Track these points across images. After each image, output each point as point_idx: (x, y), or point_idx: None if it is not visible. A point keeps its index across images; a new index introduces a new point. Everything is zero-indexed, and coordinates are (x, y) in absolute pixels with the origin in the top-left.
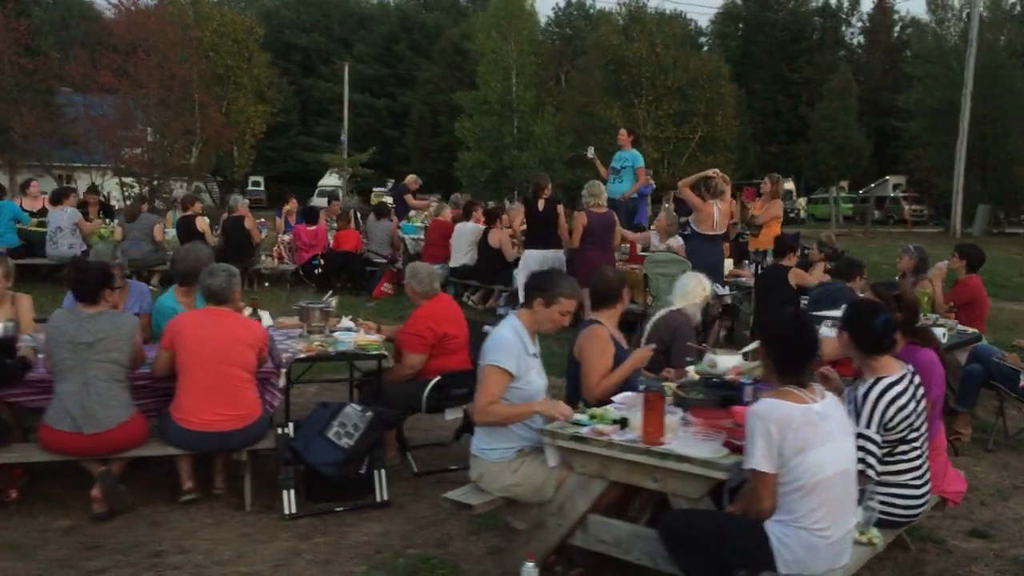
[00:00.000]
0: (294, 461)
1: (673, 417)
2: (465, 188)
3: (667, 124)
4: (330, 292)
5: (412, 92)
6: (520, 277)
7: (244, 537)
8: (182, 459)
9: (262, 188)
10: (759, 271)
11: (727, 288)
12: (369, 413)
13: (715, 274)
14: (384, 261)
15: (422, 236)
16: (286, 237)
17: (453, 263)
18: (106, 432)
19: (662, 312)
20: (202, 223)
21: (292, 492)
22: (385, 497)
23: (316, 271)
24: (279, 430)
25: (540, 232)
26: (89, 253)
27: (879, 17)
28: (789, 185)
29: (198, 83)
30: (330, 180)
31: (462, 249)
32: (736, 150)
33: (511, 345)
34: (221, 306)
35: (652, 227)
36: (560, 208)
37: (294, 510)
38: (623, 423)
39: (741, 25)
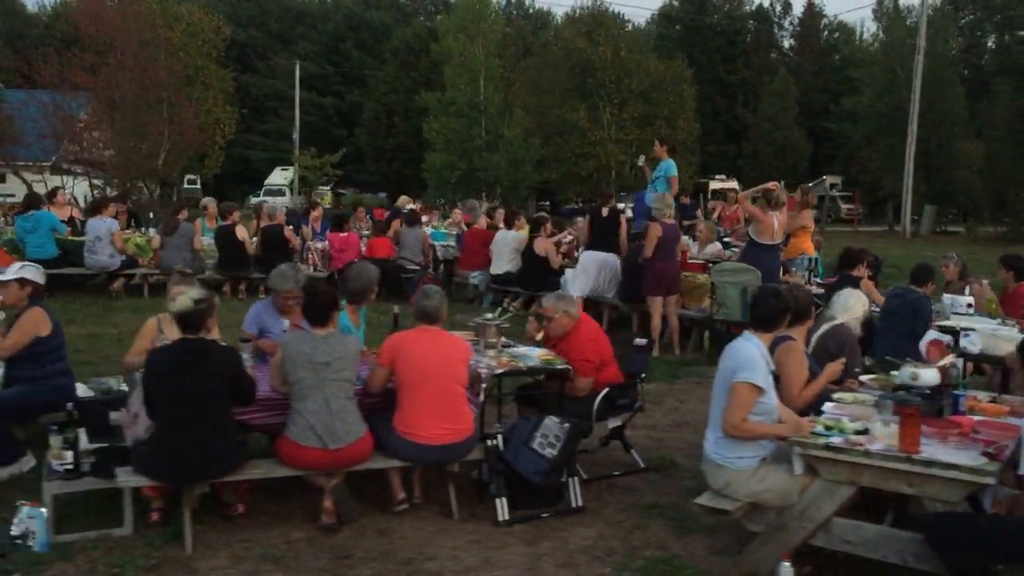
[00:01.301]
0: (503, 471)
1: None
2: (433, 189)
3: (631, 127)
4: (499, 310)
5: (360, 91)
6: (579, 279)
7: (476, 544)
8: (393, 471)
9: (198, 186)
10: (810, 279)
11: None
12: (567, 424)
13: (772, 281)
14: (418, 268)
15: (452, 243)
16: (319, 244)
17: (495, 270)
18: (347, 447)
19: (826, 327)
20: (242, 232)
21: (504, 500)
22: (579, 503)
23: None
24: (487, 442)
25: (602, 237)
26: (132, 263)
27: (809, 21)
28: (734, 184)
29: (170, 84)
30: (277, 179)
31: (505, 256)
32: (696, 152)
33: (760, 363)
34: (433, 325)
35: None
36: (623, 218)
37: (506, 517)
38: (865, 432)
39: (678, 27)
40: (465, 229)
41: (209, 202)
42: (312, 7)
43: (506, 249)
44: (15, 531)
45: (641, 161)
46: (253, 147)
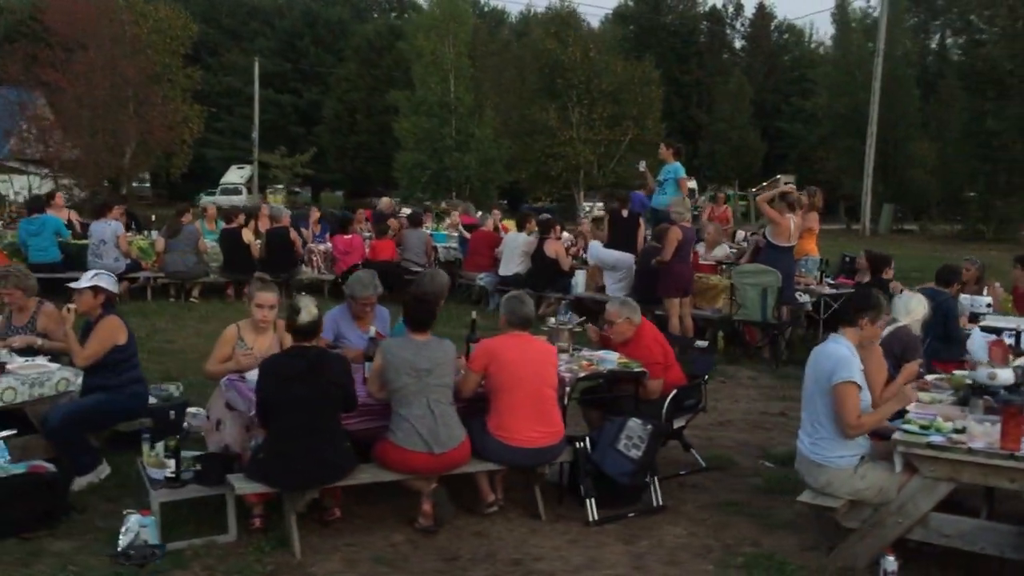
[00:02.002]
0: (592, 472)
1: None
2: (403, 188)
3: (600, 127)
4: (570, 314)
5: (319, 89)
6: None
7: (575, 544)
8: (482, 474)
9: (148, 185)
10: (823, 279)
11: (807, 296)
12: (649, 426)
13: (789, 282)
14: (421, 270)
15: (453, 245)
16: (322, 247)
17: (504, 271)
18: (451, 451)
19: (889, 329)
20: (247, 234)
21: (593, 501)
22: (660, 502)
23: None
24: (576, 444)
25: (621, 236)
26: (136, 267)
27: (760, 22)
28: (692, 184)
29: (139, 81)
30: (233, 177)
31: (514, 259)
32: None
33: (854, 361)
34: (524, 331)
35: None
36: (641, 220)
37: (596, 517)
38: (962, 431)
39: (632, 27)
40: (463, 230)
41: (209, 204)
42: (266, 3)
43: (516, 251)
44: (124, 540)
45: (643, 166)
46: (208, 145)
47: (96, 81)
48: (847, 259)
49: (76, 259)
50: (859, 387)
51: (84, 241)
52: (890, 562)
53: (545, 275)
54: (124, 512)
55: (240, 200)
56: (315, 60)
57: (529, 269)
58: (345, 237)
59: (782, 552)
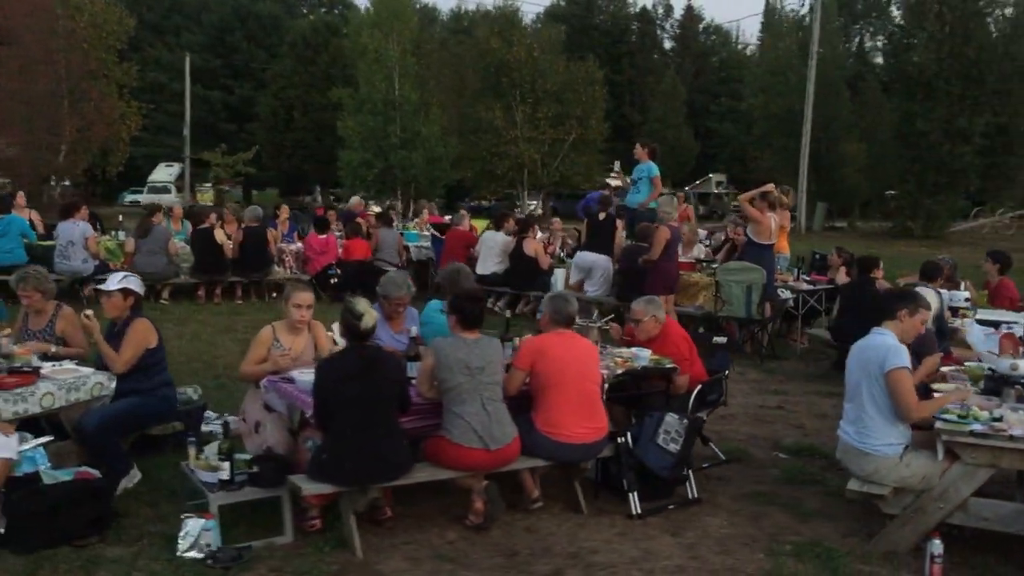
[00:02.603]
0: (634, 466)
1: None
2: (348, 187)
3: (544, 126)
4: (596, 313)
5: (250, 85)
6: (573, 274)
7: (624, 536)
8: (527, 471)
9: (68, 183)
10: (799, 276)
11: (788, 292)
12: (685, 420)
13: (771, 279)
14: (395, 269)
15: (425, 244)
16: (293, 246)
17: (482, 270)
18: (504, 447)
19: None
20: (220, 235)
21: (636, 494)
22: (695, 494)
23: (332, 280)
24: (618, 440)
25: (597, 240)
26: (104, 268)
27: (688, 24)
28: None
29: (80, 76)
30: (161, 175)
31: (492, 257)
32: (605, 151)
33: (903, 349)
34: (568, 329)
35: None
36: (619, 223)
37: (639, 510)
38: (999, 420)
39: (564, 27)
40: (431, 228)
41: (175, 204)
42: None
43: (494, 250)
44: (183, 543)
45: (617, 167)
46: (134, 143)
47: (33, 76)
48: (817, 256)
49: (42, 261)
50: (911, 372)
51: (50, 242)
52: (936, 545)
53: (524, 274)
54: (182, 516)
55: (169, 199)
56: (247, 56)
57: (507, 268)
58: (320, 237)
59: (826, 539)
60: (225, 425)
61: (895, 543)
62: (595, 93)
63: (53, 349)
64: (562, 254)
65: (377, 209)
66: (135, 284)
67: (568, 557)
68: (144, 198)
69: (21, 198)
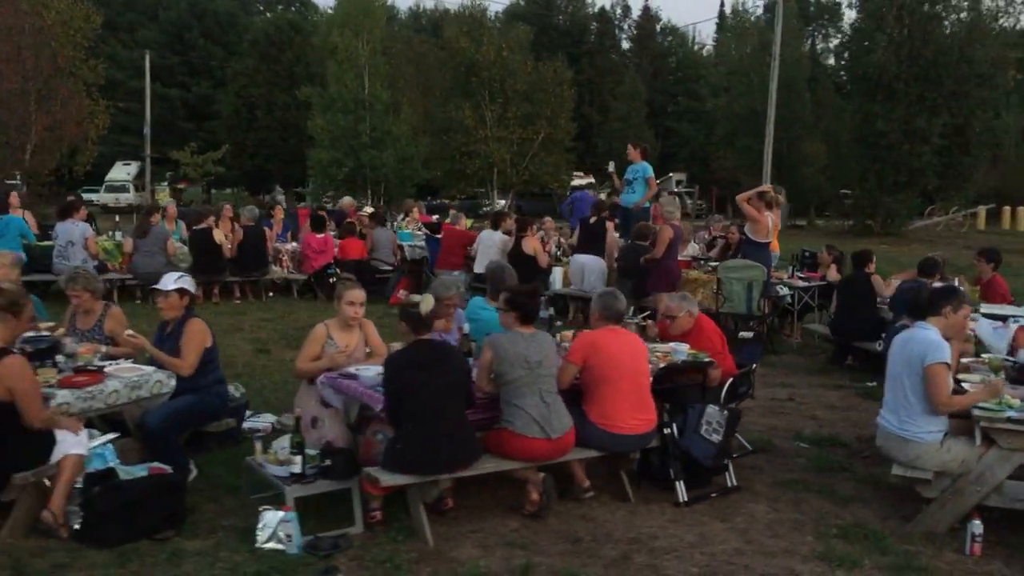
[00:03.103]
0: (680, 456)
1: None
2: (317, 185)
3: (514, 126)
4: (631, 310)
5: (209, 83)
6: (574, 280)
7: (676, 523)
8: (578, 462)
9: (18, 181)
10: (794, 273)
11: (786, 289)
12: (725, 412)
13: (768, 276)
14: (391, 268)
15: (419, 244)
16: (288, 246)
17: (479, 268)
18: (563, 437)
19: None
20: (219, 235)
21: (682, 483)
22: (735, 482)
23: (331, 280)
24: (664, 431)
25: (590, 242)
26: (102, 269)
27: (646, 24)
28: (591, 180)
29: (51, 74)
30: (119, 174)
31: (490, 256)
32: (573, 150)
33: (945, 345)
34: (617, 325)
35: None
36: (610, 225)
37: (685, 498)
38: None
39: (523, 26)
40: (423, 227)
41: (169, 204)
42: None
43: (492, 249)
44: (262, 535)
45: (611, 167)
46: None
47: (3, 73)
48: (807, 254)
49: (39, 261)
50: (949, 368)
51: (48, 243)
52: (976, 525)
53: (523, 272)
54: (260, 509)
55: (127, 198)
56: (205, 53)
57: None
58: (318, 236)
59: (865, 523)
60: (296, 420)
61: (934, 524)
62: (564, 93)
63: (103, 349)
64: (558, 252)
65: (370, 209)
66: (190, 284)
67: (629, 542)
68: (101, 197)
69: (15, 198)
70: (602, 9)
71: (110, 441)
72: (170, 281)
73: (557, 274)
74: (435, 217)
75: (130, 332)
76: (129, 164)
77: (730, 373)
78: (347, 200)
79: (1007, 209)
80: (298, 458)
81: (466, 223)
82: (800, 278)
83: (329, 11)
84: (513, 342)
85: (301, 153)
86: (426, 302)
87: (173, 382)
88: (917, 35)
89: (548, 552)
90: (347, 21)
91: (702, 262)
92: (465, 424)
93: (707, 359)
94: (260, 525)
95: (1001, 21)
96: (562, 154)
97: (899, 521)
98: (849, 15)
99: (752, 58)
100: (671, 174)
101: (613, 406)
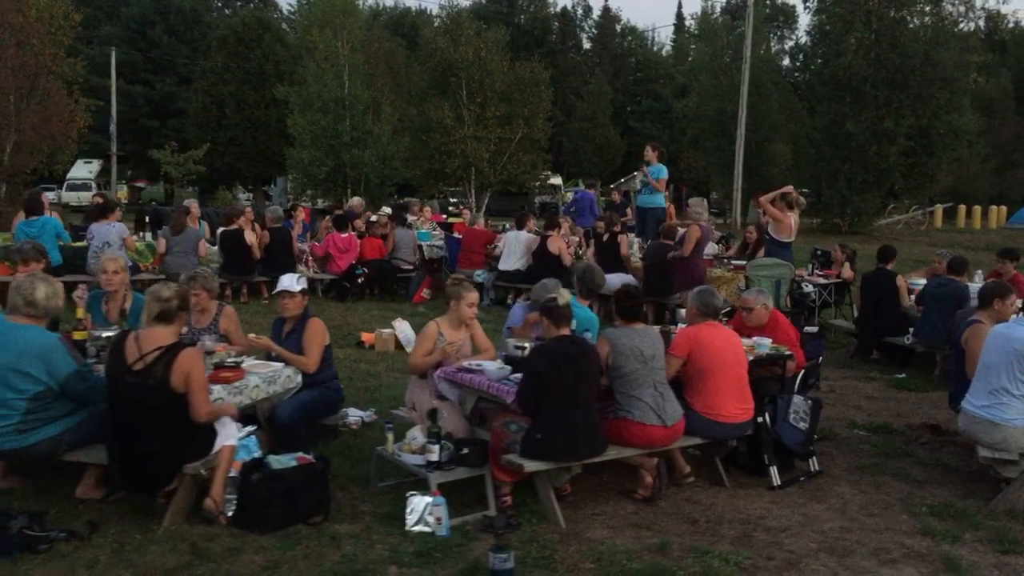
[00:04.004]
0: (772, 443)
1: None
2: (297, 185)
3: (493, 126)
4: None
5: (173, 80)
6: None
7: (777, 504)
8: (678, 449)
9: None
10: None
11: (810, 286)
12: (810, 401)
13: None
14: (411, 268)
15: (437, 243)
16: (305, 246)
17: (504, 267)
18: (676, 424)
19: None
20: (251, 236)
21: (776, 468)
22: (817, 467)
23: (359, 279)
24: (758, 419)
25: (606, 257)
26: (135, 270)
27: (606, 24)
28: (557, 180)
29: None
30: (81, 172)
31: (515, 254)
32: (551, 150)
33: None
34: (715, 320)
35: None
36: (622, 238)
37: (779, 482)
38: None
39: (486, 26)
40: (437, 227)
41: (191, 203)
42: None
43: (518, 248)
44: (411, 519)
45: (644, 171)
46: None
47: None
48: (819, 252)
49: (73, 262)
50: None
51: (82, 243)
52: None
53: (547, 271)
54: (408, 494)
55: (89, 197)
56: (168, 50)
57: (530, 265)
58: (343, 235)
59: (949, 502)
60: (432, 412)
61: (1014, 502)
62: (541, 93)
63: (232, 347)
64: (580, 251)
65: (388, 210)
66: (306, 284)
67: (742, 523)
68: (62, 196)
69: (45, 199)
70: (564, 9)
71: (252, 433)
72: (292, 282)
73: None
74: (445, 217)
75: (253, 335)
76: (91, 162)
77: (801, 365)
78: (356, 200)
79: (962, 208)
80: (435, 447)
81: (480, 223)
82: (820, 275)
83: (290, 8)
84: (629, 336)
85: (272, 151)
86: (560, 295)
87: (299, 377)
88: (885, 39)
89: (672, 532)
90: (326, 20)
91: (725, 260)
92: (595, 415)
93: (787, 352)
94: (408, 509)
95: (961, 25)
96: (539, 153)
97: (977, 500)
98: (804, 20)
99: (720, 60)
100: (635, 173)
101: (717, 396)
